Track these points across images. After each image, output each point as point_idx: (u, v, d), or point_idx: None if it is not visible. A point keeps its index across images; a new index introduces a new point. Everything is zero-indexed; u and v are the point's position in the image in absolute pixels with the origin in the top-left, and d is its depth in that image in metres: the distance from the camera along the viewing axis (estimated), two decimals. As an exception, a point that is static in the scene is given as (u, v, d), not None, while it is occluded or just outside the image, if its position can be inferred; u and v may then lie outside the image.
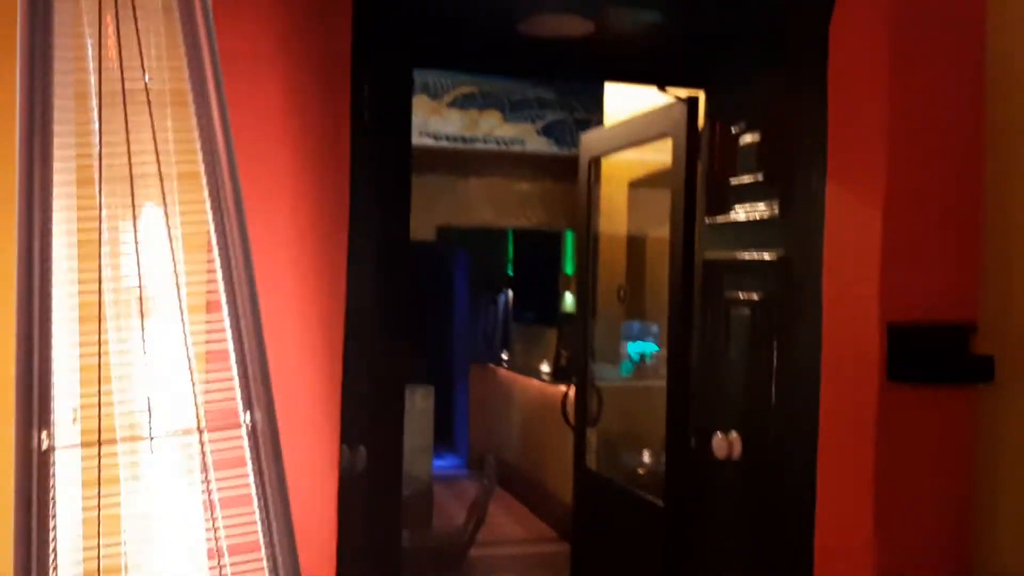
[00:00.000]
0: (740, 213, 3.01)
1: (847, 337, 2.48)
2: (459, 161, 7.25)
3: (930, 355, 2.35)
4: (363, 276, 2.78)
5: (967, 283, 2.41)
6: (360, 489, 2.63)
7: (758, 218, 2.90)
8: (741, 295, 3.00)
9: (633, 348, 5.69)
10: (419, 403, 7.41)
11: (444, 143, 6.90)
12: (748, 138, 2.97)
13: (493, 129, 6.96)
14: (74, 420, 1.42)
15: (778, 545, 2.75)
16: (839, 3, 2.52)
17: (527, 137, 6.99)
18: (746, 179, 2.98)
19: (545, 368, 7.72)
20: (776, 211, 2.81)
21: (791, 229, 2.77)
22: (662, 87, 3.31)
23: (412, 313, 3.03)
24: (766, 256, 2.84)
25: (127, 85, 1.48)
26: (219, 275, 1.51)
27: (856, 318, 2.43)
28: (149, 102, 1.50)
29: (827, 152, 2.56)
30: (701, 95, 3.27)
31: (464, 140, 6.93)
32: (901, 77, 2.38)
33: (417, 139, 6.84)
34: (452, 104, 6.87)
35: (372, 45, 2.89)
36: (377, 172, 2.94)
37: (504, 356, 8.96)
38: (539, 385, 7.45)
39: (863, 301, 2.40)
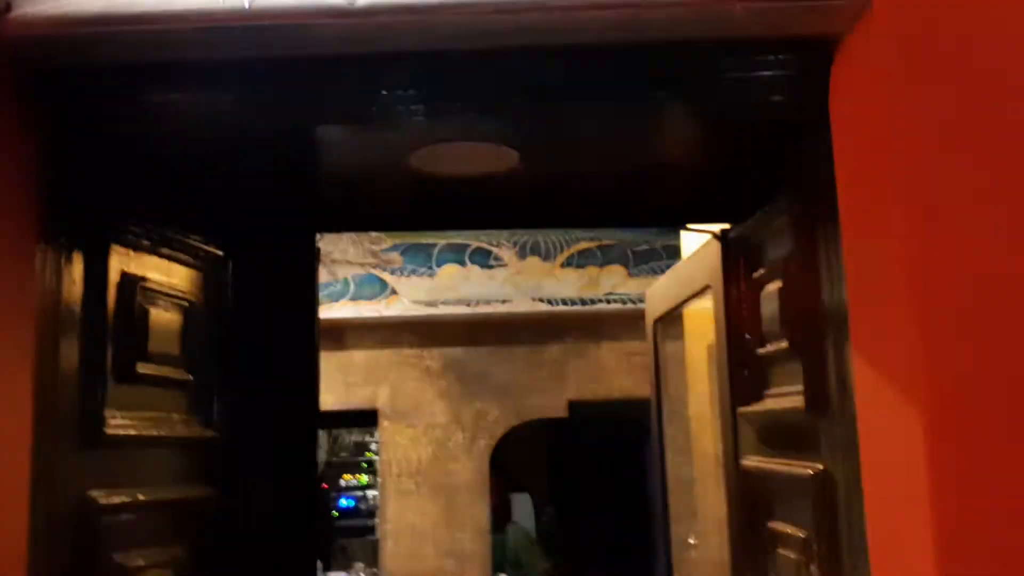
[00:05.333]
0: (773, 400, 1.99)
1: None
2: (588, 326, 6.43)
3: None
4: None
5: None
6: None
7: (790, 407, 1.87)
8: (784, 528, 1.93)
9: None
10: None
11: (560, 307, 6.13)
12: (771, 288, 1.98)
13: (616, 286, 6.12)
14: None
15: None
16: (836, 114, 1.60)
17: (658, 292, 6.08)
18: (772, 348, 1.97)
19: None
20: (805, 400, 1.78)
21: (826, 425, 1.72)
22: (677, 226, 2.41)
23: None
24: (806, 470, 1.79)
25: None
26: None
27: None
28: None
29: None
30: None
31: (583, 302, 6.13)
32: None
33: (529, 306, 6.13)
34: (567, 264, 6.14)
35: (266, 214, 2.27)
36: (272, 352, 2.28)
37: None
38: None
39: (918, 568, 1.32)
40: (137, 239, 1.86)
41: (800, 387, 1.80)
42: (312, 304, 2.41)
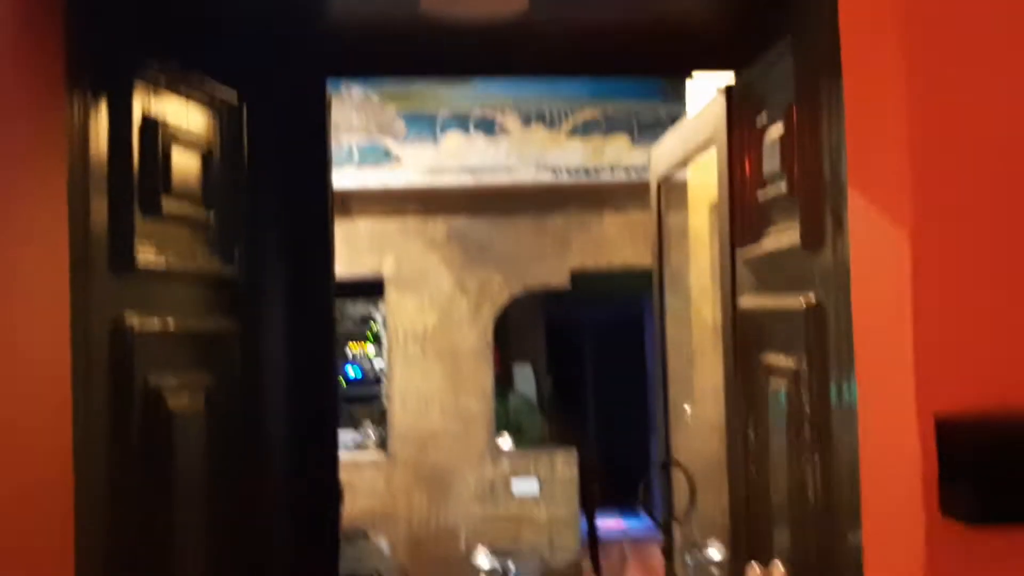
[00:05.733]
0: (770, 241, 2.08)
1: (884, 438, 1.51)
2: (591, 196, 6.48)
3: (1016, 468, 1.32)
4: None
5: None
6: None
7: (786, 246, 1.96)
8: (776, 361, 2.05)
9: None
10: (559, 470, 6.66)
11: (565, 177, 6.17)
12: (773, 133, 2.03)
13: (620, 157, 6.14)
14: None
15: None
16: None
17: (661, 162, 6.11)
18: (771, 191, 2.04)
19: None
20: (801, 237, 1.86)
21: (820, 260, 1.81)
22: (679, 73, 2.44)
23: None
24: (799, 302, 1.89)
25: None
26: None
27: (892, 405, 1.46)
28: None
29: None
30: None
31: (588, 172, 6.16)
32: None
33: (533, 175, 6.17)
34: (573, 132, 6.14)
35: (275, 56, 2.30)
36: (288, 197, 2.36)
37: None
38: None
39: (898, 375, 1.43)
40: (157, 78, 1.91)
41: (797, 226, 1.88)
42: (324, 151, 2.47)
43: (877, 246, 1.56)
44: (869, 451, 1.59)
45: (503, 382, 7.81)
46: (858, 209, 1.62)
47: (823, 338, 1.79)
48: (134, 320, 1.78)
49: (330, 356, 2.63)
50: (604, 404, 11.33)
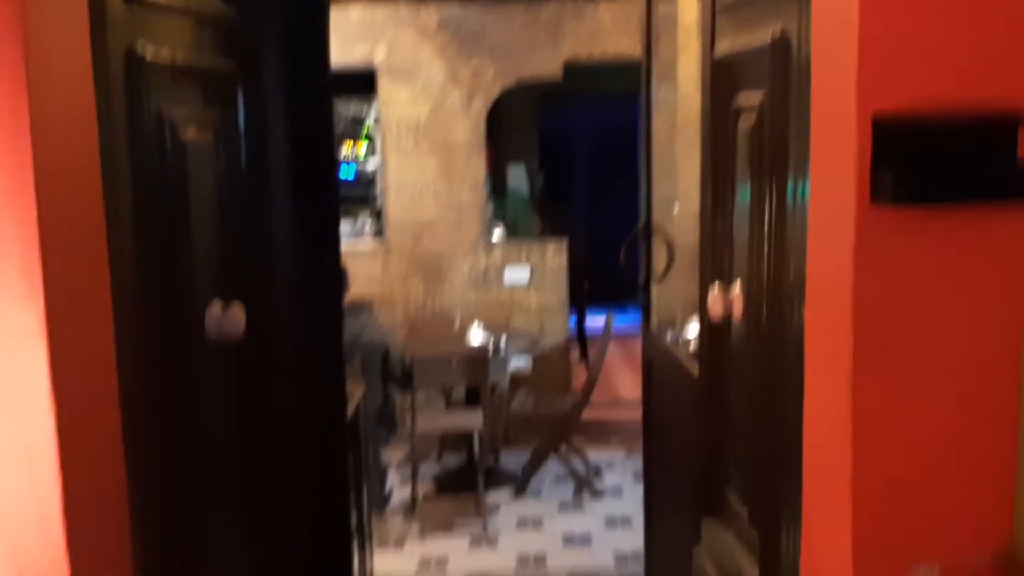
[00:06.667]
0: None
1: (830, 145, 1.67)
2: (585, -17, 6.40)
3: (943, 160, 1.50)
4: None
5: (1012, 50, 1.51)
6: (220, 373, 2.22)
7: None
8: (746, 100, 2.19)
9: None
10: (549, 259, 6.92)
11: (559, -39, 6.06)
12: None
13: (615, -62, 6.02)
14: None
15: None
16: None
17: (657, -54, 5.98)
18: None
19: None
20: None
21: (788, -4, 1.92)
22: None
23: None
24: (767, 36, 2.01)
25: None
26: None
27: (838, 110, 1.62)
28: None
29: None
30: None
31: (583, -44, 6.05)
32: None
33: (528, -40, 6.06)
34: (567, -87, 5.98)
35: None
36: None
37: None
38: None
39: (844, 82, 1.58)
40: None
41: (771, -36, 1.97)
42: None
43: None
44: (817, 164, 1.76)
45: (497, 183, 7.97)
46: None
47: (787, 67, 1.93)
48: (146, 50, 1.90)
49: (328, 111, 2.76)
50: (595, 206, 11.56)
